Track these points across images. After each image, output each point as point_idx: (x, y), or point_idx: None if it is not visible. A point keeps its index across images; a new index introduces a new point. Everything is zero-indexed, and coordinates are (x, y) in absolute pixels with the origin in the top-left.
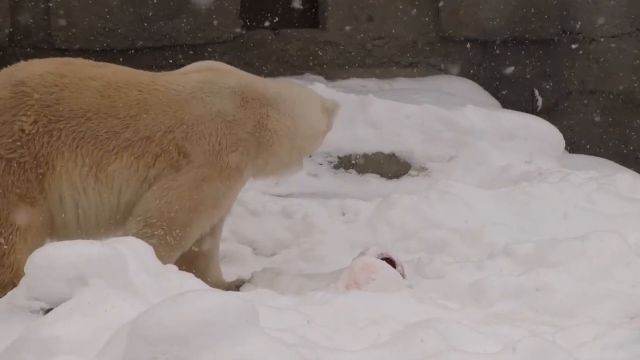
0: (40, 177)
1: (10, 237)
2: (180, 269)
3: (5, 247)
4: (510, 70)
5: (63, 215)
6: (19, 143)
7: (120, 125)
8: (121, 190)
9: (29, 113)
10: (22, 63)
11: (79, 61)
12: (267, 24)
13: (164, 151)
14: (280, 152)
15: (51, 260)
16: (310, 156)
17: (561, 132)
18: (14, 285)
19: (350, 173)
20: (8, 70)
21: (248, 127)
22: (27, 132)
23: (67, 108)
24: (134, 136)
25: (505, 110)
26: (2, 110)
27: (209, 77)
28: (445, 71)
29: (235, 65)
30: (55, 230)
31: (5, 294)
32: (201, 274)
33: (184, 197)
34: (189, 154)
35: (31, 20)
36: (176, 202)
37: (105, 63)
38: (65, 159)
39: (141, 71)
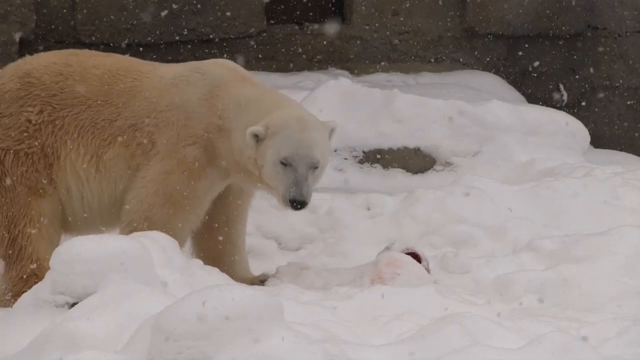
0: (48, 167)
1: (25, 229)
2: (206, 263)
3: (22, 239)
4: (535, 65)
5: (71, 206)
6: (26, 134)
7: (114, 113)
8: (117, 180)
9: (34, 103)
10: (29, 57)
11: (86, 52)
12: (292, 18)
13: (143, 139)
14: (227, 159)
15: (76, 254)
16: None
17: (586, 127)
18: (36, 276)
19: (375, 168)
20: (15, 63)
21: (204, 123)
22: (33, 122)
23: (70, 96)
24: (123, 124)
25: (530, 105)
26: (9, 102)
27: (195, 66)
28: (471, 66)
29: (260, 61)
30: (66, 222)
31: (29, 286)
32: (227, 269)
33: (152, 192)
34: (156, 143)
35: (56, 15)
36: (146, 199)
37: (112, 53)
38: (68, 148)
39: (146, 61)
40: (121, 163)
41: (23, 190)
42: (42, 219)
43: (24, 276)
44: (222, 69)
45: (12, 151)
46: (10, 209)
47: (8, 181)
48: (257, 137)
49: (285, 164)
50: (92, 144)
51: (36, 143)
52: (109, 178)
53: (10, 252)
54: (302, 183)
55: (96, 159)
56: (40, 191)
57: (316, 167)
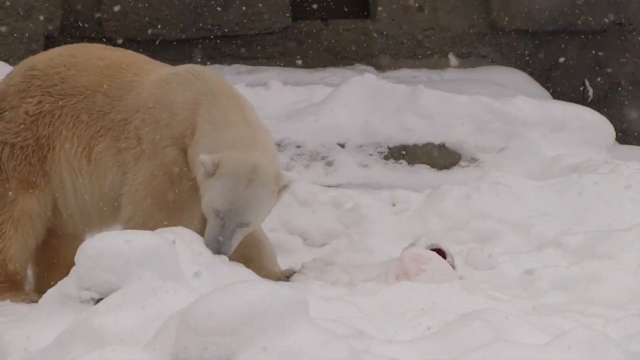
0: (42, 159)
1: (4, 225)
2: (231, 259)
3: None
4: (560, 61)
5: (65, 199)
6: (22, 126)
7: (108, 106)
8: (105, 173)
9: (35, 94)
10: (41, 52)
11: (96, 45)
12: (317, 14)
13: (130, 133)
14: (195, 171)
15: (101, 250)
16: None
17: (612, 123)
18: None
19: (400, 164)
20: (25, 59)
21: (183, 126)
22: (30, 113)
23: (70, 86)
24: (115, 117)
25: (556, 101)
26: (12, 96)
27: (192, 67)
28: (496, 62)
29: (285, 57)
30: (60, 216)
31: None
32: (252, 264)
33: (143, 197)
34: (142, 140)
35: (82, 10)
36: (140, 205)
37: (121, 48)
38: (63, 137)
39: (152, 60)
40: (110, 156)
41: (13, 184)
42: (21, 217)
43: None
44: (218, 78)
45: (9, 145)
46: None
47: (2, 175)
48: (205, 168)
49: (216, 213)
50: (86, 135)
51: (30, 135)
52: (99, 171)
53: None
54: (224, 240)
55: (88, 150)
56: (31, 186)
57: (247, 225)
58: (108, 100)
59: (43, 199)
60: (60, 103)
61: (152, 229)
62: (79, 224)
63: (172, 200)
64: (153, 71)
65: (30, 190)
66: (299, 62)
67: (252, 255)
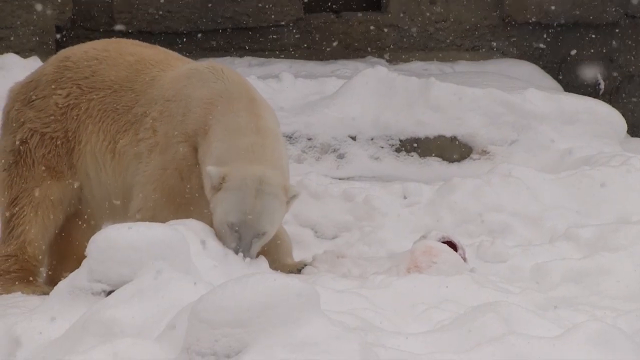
0: (70, 152)
1: (23, 209)
2: None
3: (17, 219)
4: (572, 53)
5: (91, 192)
6: (52, 117)
7: (133, 101)
8: (128, 168)
9: (65, 86)
10: (79, 44)
11: (130, 41)
12: (329, 7)
13: (147, 125)
14: (203, 177)
15: (113, 242)
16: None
17: (623, 115)
18: (17, 257)
19: (411, 156)
20: (63, 50)
21: (196, 124)
22: (60, 105)
23: (99, 79)
24: (138, 111)
25: (568, 93)
26: (45, 85)
27: (213, 65)
28: (508, 54)
29: (297, 49)
30: (86, 206)
31: (6, 267)
32: (266, 257)
33: (152, 190)
34: (157, 132)
35: (93, 2)
36: (150, 197)
37: (156, 46)
38: (89, 132)
39: (182, 56)
40: (132, 150)
41: (40, 169)
42: (42, 202)
43: (7, 254)
44: (238, 79)
45: (39, 133)
46: (19, 187)
47: (28, 160)
48: (211, 181)
49: (231, 227)
50: (111, 130)
51: (60, 127)
52: (122, 165)
53: (4, 229)
54: (244, 252)
55: (112, 145)
56: (57, 174)
57: (264, 235)
58: (133, 95)
59: (67, 188)
60: (88, 96)
61: (161, 221)
62: (104, 214)
63: (181, 195)
64: (178, 67)
65: (56, 178)
66: (311, 54)
67: (268, 248)
